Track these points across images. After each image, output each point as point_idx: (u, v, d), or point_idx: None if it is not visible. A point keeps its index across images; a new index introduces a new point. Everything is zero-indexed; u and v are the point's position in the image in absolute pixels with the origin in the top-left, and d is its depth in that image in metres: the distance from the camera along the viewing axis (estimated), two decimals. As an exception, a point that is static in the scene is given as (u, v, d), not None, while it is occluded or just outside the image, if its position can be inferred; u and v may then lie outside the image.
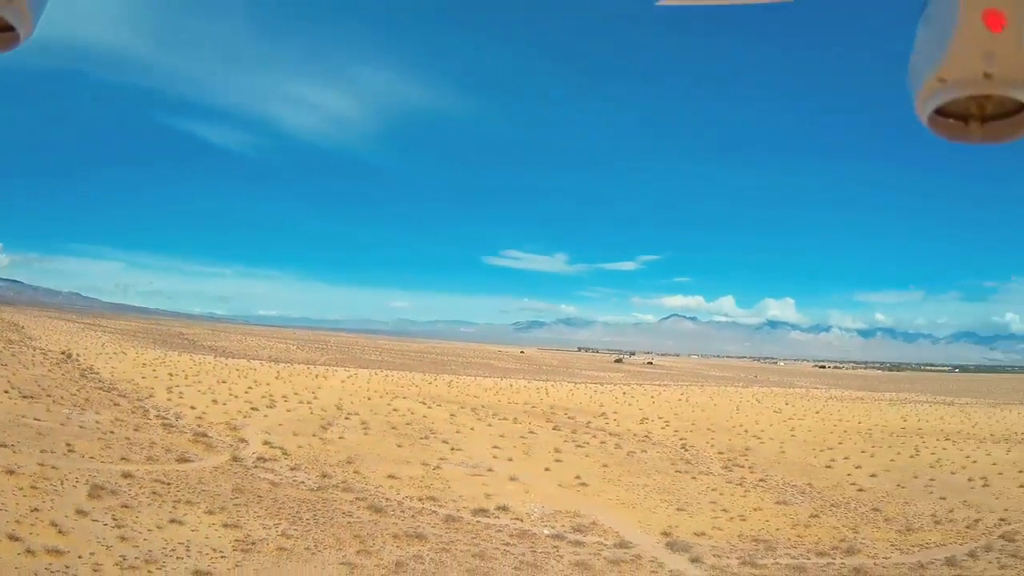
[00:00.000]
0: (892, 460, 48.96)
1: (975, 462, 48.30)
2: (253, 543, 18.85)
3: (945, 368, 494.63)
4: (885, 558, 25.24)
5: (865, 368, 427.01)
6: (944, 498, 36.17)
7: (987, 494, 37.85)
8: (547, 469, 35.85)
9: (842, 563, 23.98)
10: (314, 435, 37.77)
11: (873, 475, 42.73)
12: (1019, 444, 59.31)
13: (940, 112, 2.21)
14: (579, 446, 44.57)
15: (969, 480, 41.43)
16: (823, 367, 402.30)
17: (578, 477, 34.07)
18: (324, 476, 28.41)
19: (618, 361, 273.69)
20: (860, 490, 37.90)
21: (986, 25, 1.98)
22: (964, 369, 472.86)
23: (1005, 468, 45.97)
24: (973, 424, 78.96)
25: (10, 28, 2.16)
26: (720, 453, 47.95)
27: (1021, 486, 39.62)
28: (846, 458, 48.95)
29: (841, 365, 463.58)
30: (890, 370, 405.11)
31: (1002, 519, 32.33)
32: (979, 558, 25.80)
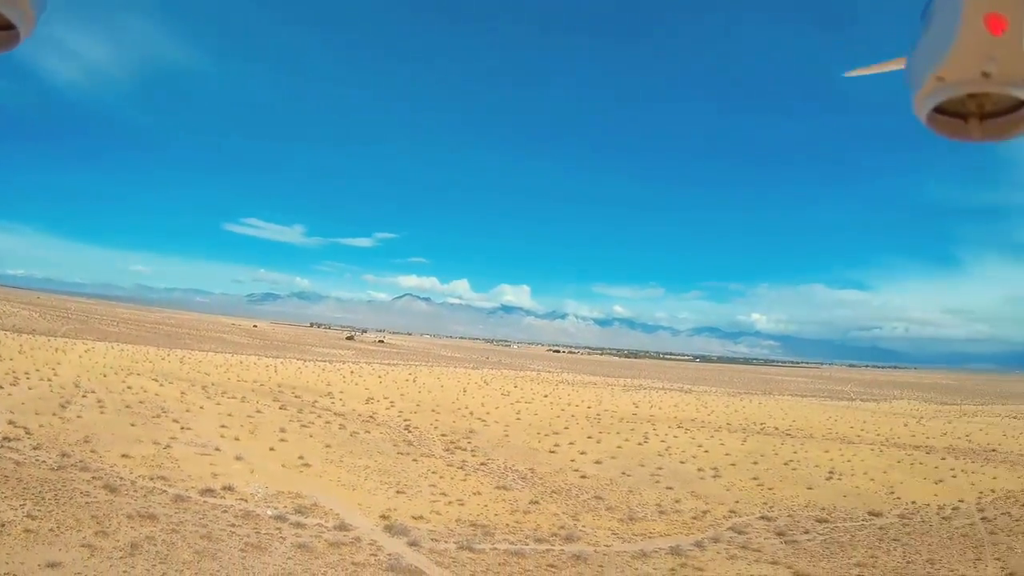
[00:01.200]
0: (619, 447, 58.41)
1: (707, 452, 59.23)
2: (2, 524, 23.55)
3: (686, 357, 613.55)
4: (606, 546, 29.81)
5: (601, 354, 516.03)
6: (671, 488, 43.61)
7: (717, 485, 46.31)
8: (272, 449, 43.04)
9: (561, 550, 28.37)
10: (54, 414, 45.45)
11: (598, 462, 50.58)
12: (756, 435, 74.03)
13: (938, 110, 2.69)
14: (304, 426, 53.36)
15: (699, 470, 50.50)
16: (557, 351, 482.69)
17: (301, 457, 41.18)
18: (64, 455, 34.53)
19: (349, 338, 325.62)
20: (583, 477, 44.87)
21: (987, 28, 2.40)
22: (706, 360, 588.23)
23: (739, 459, 56.75)
24: (709, 412, 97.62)
25: (11, 26, 2.61)
26: (443, 435, 56.23)
27: (754, 478, 48.88)
28: (571, 444, 57.86)
29: (576, 350, 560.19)
30: (627, 356, 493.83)
31: (732, 511, 39.41)
32: (706, 549, 30.86)
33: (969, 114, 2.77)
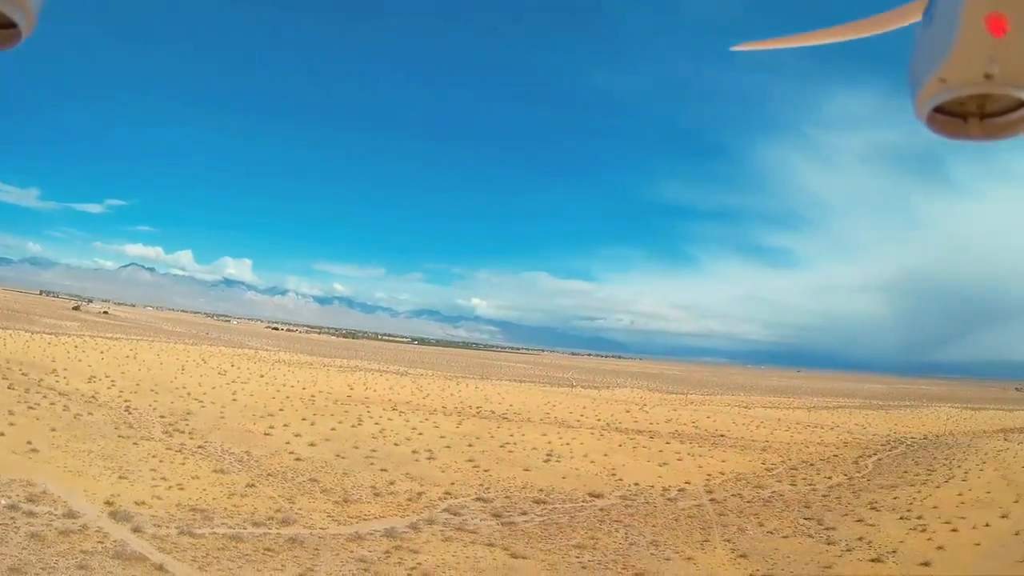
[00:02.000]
0: (333, 429, 60.89)
1: (422, 434, 62.93)
2: None
3: (405, 339, 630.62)
4: (322, 529, 32.01)
5: (320, 333, 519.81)
6: (386, 470, 46.42)
7: (432, 467, 49.72)
8: (2, 434, 43.46)
9: (278, 533, 30.28)
10: None
11: (312, 444, 52.86)
12: (472, 418, 78.95)
13: (939, 109, 2.83)
14: (31, 407, 54.19)
15: (414, 452, 53.98)
16: (276, 328, 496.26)
17: (30, 442, 41.85)
18: None
19: (76, 309, 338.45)
20: (298, 459, 46.89)
21: (989, 29, 2.52)
22: (425, 342, 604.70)
23: (454, 441, 60.80)
24: (425, 395, 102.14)
25: (12, 25, 2.69)
26: (162, 417, 57.18)
27: (470, 460, 52.88)
28: (286, 425, 59.72)
29: (296, 328, 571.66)
30: (346, 336, 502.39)
31: (447, 493, 42.69)
32: (421, 530, 33.74)
33: (969, 114, 2.89)
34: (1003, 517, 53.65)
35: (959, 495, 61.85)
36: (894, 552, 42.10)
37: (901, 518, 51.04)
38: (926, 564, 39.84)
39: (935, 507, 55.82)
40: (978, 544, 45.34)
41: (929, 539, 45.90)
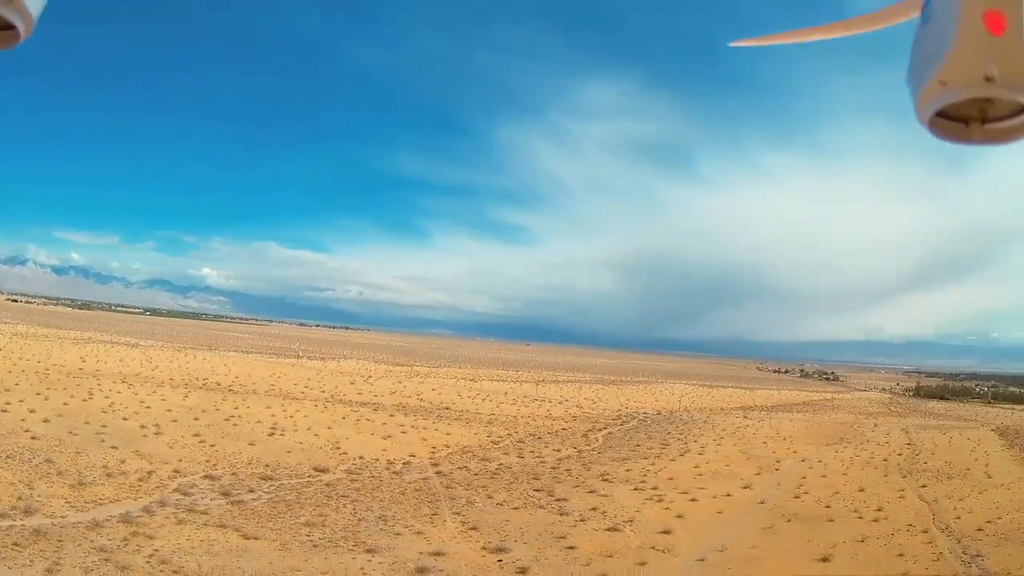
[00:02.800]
0: (66, 404, 59.60)
1: (149, 407, 62.60)
2: None
3: (137, 310, 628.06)
4: (62, 517, 31.36)
5: (57, 304, 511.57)
6: (116, 447, 45.69)
7: (160, 443, 49.53)
8: None
9: (23, 525, 29.65)
10: None
11: (47, 420, 51.61)
12: (198, 390, 78.92)
13: (940, 114, 2.93)
14: None
15: (142, 427, 53.55)
16: (15, 300, 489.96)
17: None
18: None
19: None
20: (34, 438, 45.93)
21: (987, 28, 2.64)
22: (156, 313, 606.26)
23: (180, 415, 60.74)
24: (154, 367, 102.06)
25: (10, 26, 2.78)
26: None
27: (196, 435, 52.85)
28: (21, 401, 58.63)
29: (34, 299, 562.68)
30: (81, 308, 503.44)
31: (176, 471, 42.50)
32: (155, 514, 33.41)
33: (971, 118, 3.01)
34: (745, 488, 59.90)
35: (696, 467, 68.02)
36: (631, 521, 45.57)
37: (635, 489, 55.41)
38: (666, 532, 43.56)
39: (671, 479, 60.99)
40: (720, 512, 50.26)
41: (667, 508, 50.01)
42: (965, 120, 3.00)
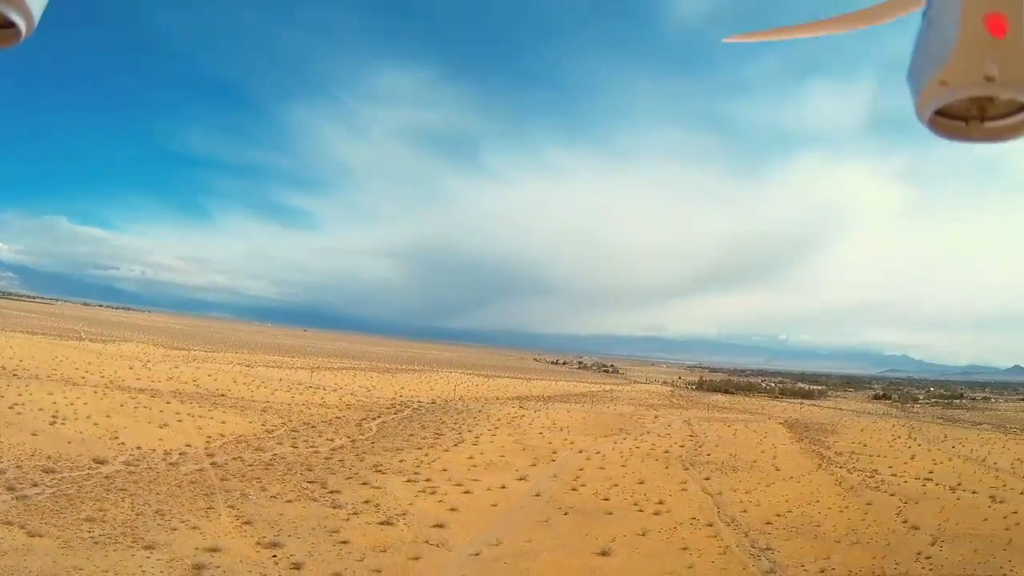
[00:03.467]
0: None
1: None
2: None
3: None
4: None
5: None
6: None
7: None
8: None
9: None
10: None
11: None
12: None
13: (940, 112, 3.12)
14: None
15: None
16: None
17: None
18: None
19: None
20: None
21: (988, 30, 2.83)
22: None
23: None
24: None
25: (11, 24, 2.91)
26: None
27: None
28: None
29: None
30: None
31: None
32: None
33: (970, 116, 3.17)
34: (521, 479, 62.79)
35: (470, 459, 71.20)
36: (404, 515, 47.51)
37: (408, 481, 57.74)
38: (440, 526, 45.67)
39: (445, 470, 63.83)
40: (495, 505, 52.76)
41: (440, 501, 52.40)
42: (965, 118, 3.23)
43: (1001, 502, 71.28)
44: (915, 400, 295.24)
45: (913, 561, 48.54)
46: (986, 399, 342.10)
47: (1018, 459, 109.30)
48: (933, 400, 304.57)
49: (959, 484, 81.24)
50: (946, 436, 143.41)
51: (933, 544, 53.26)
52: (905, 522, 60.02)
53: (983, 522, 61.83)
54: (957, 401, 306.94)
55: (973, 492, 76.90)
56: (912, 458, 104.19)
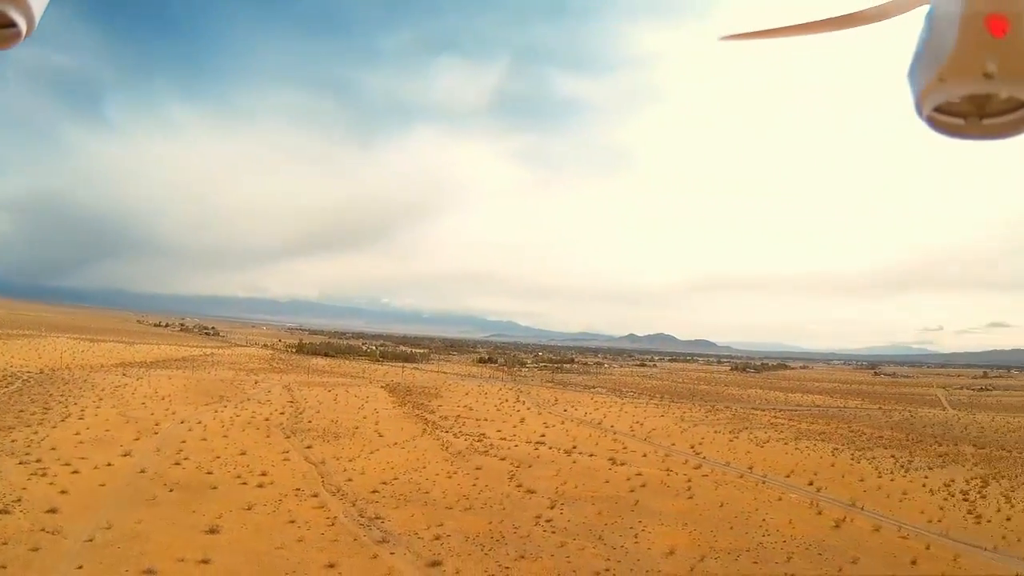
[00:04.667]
0: None
1: None
2: None
3: None
4: None
5: None
6: None
7: None
8: None
9: None
10: None
11: None
12: None
13: (939, 109, 3.39)
14: None
15: None
16: None
17: None
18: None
19: None
20: None
21: (988, 30, 3.05)
22: None
23: None
24: None
25: (12, 24, 3.00)
26: None
27: None
28: None
29: None
30: None
31: None
32: None
33: (969, 114, 3.29)
34: (125, 455, 61.39)
35: (77, 435, 68.64)
36: (19, 501, 45.74)
37: (21, 463, 55.26)
38: (53, 511, 44.40)
39: (54, 448, 61.39)
40: (103, 485, 51.73)
41: (51, 483, 50.67)
42: (964, 116, 3.37)
43: (622, 464, 77.66)
44: (523, 364, 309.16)
45: (533, 525, 51.74)
46: (599, 364, 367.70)
47: (637, 422, 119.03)
48: (542, 364, 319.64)
49: (574, 447, 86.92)
50: (557, 399, 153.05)
51: (552, 507, 56.75)
52: (519, 486, 63.55)
53: (605, 484, 66.93)
54: (567, 365, 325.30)
55: (591, 455, 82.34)
56: (522, 421, 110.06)
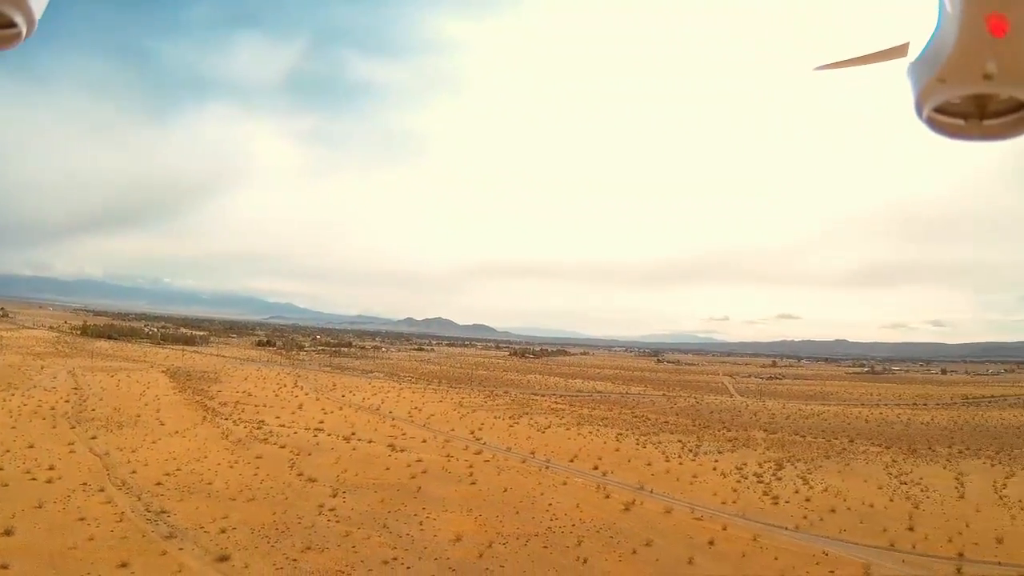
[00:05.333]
0: None
1: None
2: None
3: None
4: None
5: None
6: None
7: None
8: None
9: None
10: None
11: None
12: None
13: (939, 110, 3.56)
14: None
15: None
16: None
17: None
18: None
19: None
20: None
21: (989, 30, 3.12)
22: None
23: None
24: None
25: (12, 24, 3.20)
26: None
27: None
28: None
29: None
30: None
31: None
32: None
33: (969, 114, 3.44)
34: None
35: None
36: None
37: None
38: None
39: None
40: None
41: None
42: (964, 116, 3.52)
43: (402, 451, 79.93)
44: (301, 347, 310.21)
45: (316, 514, 53.32)
46: (377, 348, 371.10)
47: (415, 408, 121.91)
48: (320, 348, 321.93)
49: (353, 434, 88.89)
50: (335, 385, 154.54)
51: (335, 495, 58.34)
52: (301, 475, 65.14)
53: (386, 471, 69.02)
54: (345, 349, 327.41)
55: (370, 441, 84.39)
56: (300, 407, 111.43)
